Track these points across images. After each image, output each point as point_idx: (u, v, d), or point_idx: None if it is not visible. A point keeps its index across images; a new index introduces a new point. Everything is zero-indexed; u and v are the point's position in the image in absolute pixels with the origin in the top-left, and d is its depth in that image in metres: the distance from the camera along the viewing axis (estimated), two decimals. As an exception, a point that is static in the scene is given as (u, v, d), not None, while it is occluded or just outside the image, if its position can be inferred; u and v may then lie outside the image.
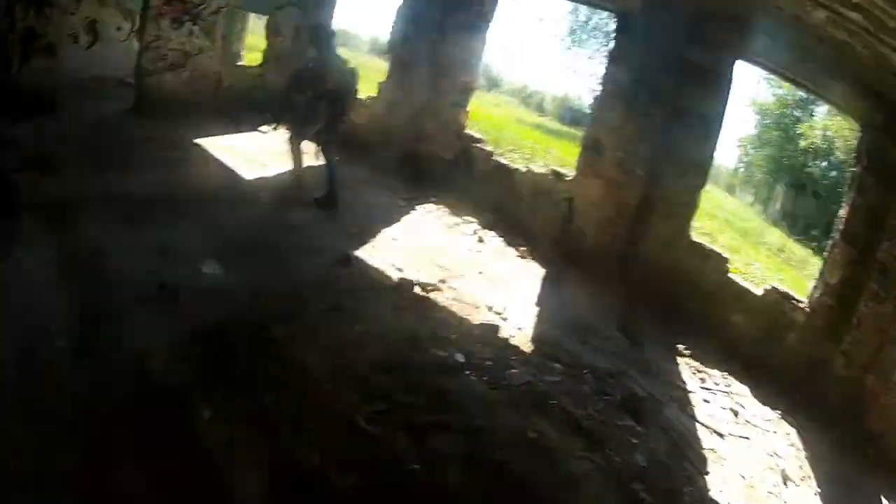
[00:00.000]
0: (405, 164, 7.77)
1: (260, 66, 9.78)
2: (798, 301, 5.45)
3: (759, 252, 11.97)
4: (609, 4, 6.85)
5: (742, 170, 41.99)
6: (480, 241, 6.06)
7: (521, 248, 6.14)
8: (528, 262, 5.90)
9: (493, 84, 52.40)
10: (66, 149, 5.16)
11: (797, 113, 32.74)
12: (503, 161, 7.43)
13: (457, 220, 6.53)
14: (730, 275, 5.81)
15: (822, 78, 5.57)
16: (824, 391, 4.97)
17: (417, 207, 6.56)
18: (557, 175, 6.88)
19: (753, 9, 5.34)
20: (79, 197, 4.23)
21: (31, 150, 4.80)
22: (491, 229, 6.44)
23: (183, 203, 4.60)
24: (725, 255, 5.94)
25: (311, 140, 5.70)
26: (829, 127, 28.32)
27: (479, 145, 7.62)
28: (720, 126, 5.86)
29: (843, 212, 5.55)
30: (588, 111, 48.21)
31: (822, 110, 29.63)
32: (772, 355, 5.32)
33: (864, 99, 5.41)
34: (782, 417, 4.53)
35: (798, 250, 16.18)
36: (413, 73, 7.82)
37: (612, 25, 7.22)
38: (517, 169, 7.18)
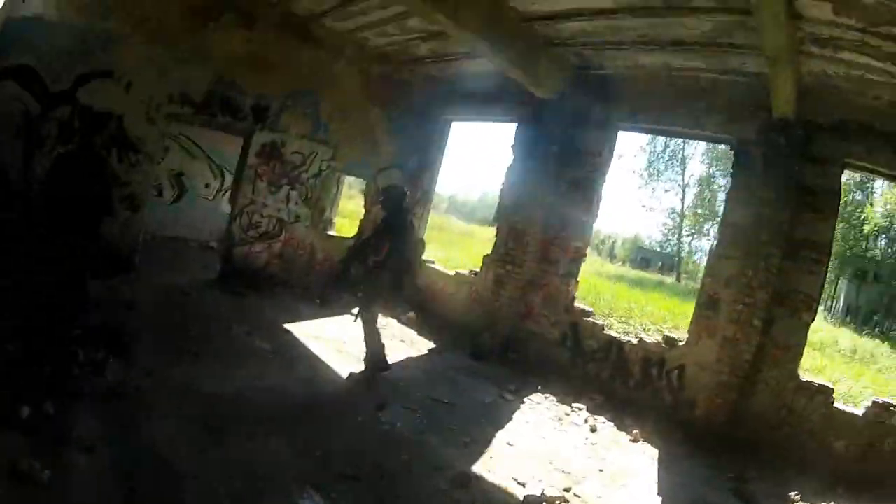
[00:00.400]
0: (509, 347, 7.22)
1: (355, 236, 9.40)
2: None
3: (835, 362, 11.65)
4: (725, 135, 6.51)
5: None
6: (593, 430, 5.51)
7: (634, 432, 5.57)
8: (641, 445, 5.40)
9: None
10: (138, 322, 4.86)
11: (858, 196, 30.71)
12: (614, 334, 6.78)
13: (566, 408, 5.91)
14: (836, 405, 5.42)
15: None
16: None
17: (525, 400, 5.96)
18: (670, 342, 6.32)
19: (856, 107, 5.51)
20: (149, 389, 3.79)
21: (99, 319, 4.46)
22: (601, 413, 5.93)
23: (273, 409, 4.12)
24: (831, 385, 5.61)
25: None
26: (890, 199, 26.27)
27: (589, 319, 6.97)
28: (830, 253, 5.71)
29: None
30: (658, 249, 48.31)
31: (879, 184, 27.94)
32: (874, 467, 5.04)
33: None
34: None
35: (866, 343, 16.36)
36: (523, 241, 7.34)
37: (690, 150, 6.96)
38: (628, 341, 6.53)
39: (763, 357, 5.56)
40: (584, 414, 5.85)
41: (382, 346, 5.20)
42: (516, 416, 5.41)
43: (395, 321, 7.64)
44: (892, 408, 5.21)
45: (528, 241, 7.18)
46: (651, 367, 6.24)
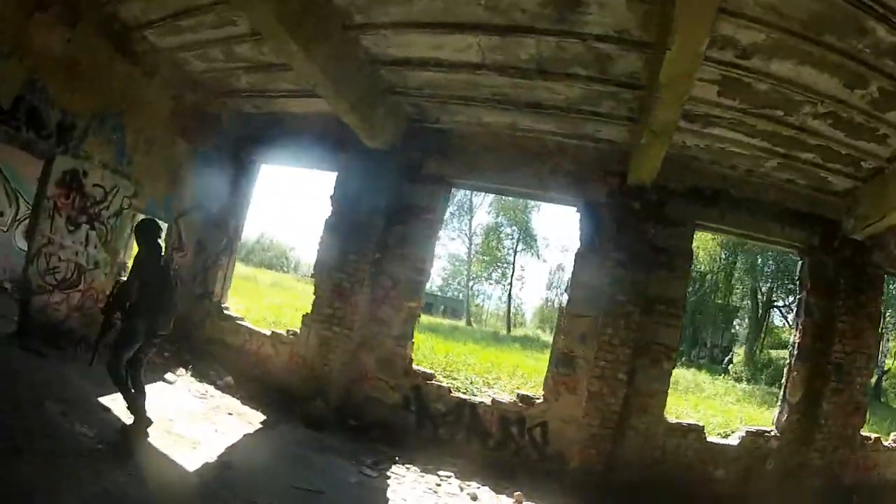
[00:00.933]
0: (345, 414, 6.53)
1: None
2: (768, 432, 6.42)
3: (684, 398, 12.74)
4: (570, 196, 6.66)
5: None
6: (474, 499, 5.29)
7: (516, 493, 5.47)
8: None
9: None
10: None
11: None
12: (463, 396, 6.57)
13: (434, 478, 5.58)
14: (709, 439, 6.23)
15: (766, 223, 6.53)
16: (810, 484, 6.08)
17: (389, 474, 5.46)
18: (526, 400, 6.34)
19: (710, 175, 6.23)
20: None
21: None
22: (470, 479, 5.71)
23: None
24: (700, 423, 6.37)
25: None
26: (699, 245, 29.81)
27: (432, 381, 6.63)
28: (685, 306, 6.30)
29: (794, 338, 6.72)
30: (440, 294, 50.65)
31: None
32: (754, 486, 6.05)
33: (802, 228, 6.54)
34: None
35: (684, 373, 17.73)
36: (350, 301, 6.69)
37: (477, 200, 7.39)
38: (481, 402, 6.39)
39: (629, 406, 5.93)
40: (455, 481, 5.58)
41: (133, 399, 4.61)
42: (390, 494, 5.03)
43: (211, 387, 6.78)
44: (764, 434, 6.39)
45: (357, 301, 6.63)
46: (510, 426, 6.22)
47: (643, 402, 5.97)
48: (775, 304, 29.93)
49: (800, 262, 6.87)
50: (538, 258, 44.21)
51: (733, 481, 6.03)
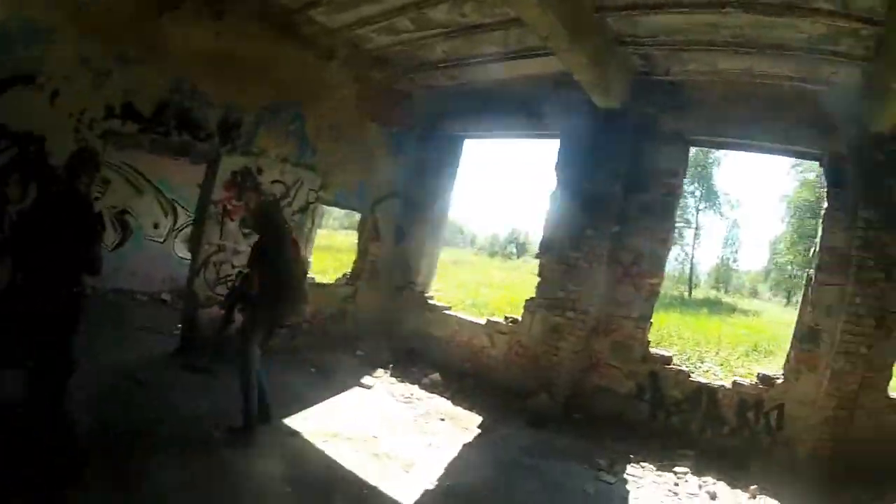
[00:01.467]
0: (570, 408, 6.67)
1: (349, 282, 8.18)
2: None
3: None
4: (816, 150, 6.26)
5: (772, 272, 44.19)
6: (713, 497, 5.12)
7: (751, 487, 5.29)
8: (764, 501, 5.13)
9: (522, 250, 54.91)
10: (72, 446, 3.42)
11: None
12: (702, 380, 6.51)
13: (671, 477, 5.43)
14: None
15: None
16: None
17: (625, 477, 5.26)
18: (766, 381, 6.11)
19: None
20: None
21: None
22: (705, 473, 5.53)
23: None
24: None
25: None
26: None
27: (670, 366, 6.67)
28: None
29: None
30: None
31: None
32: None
33: None
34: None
35: None
36: (585, 281, 6.66)
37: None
38: (721, 386, 6.36)
39: (866, 384, 5.82)
40: (692, 478, 5.54)
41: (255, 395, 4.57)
42: (631, 502, 4.94)
43: (416, 387, 6.95)
44: None
45: (594, 282, 6.75)
46: (747, 411, 6.18)
47: (872, 378, 5.79)
48: None
49: None
50: (720, 216, 43.16)
51: None
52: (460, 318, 7.59)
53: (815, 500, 5.11)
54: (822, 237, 6.19)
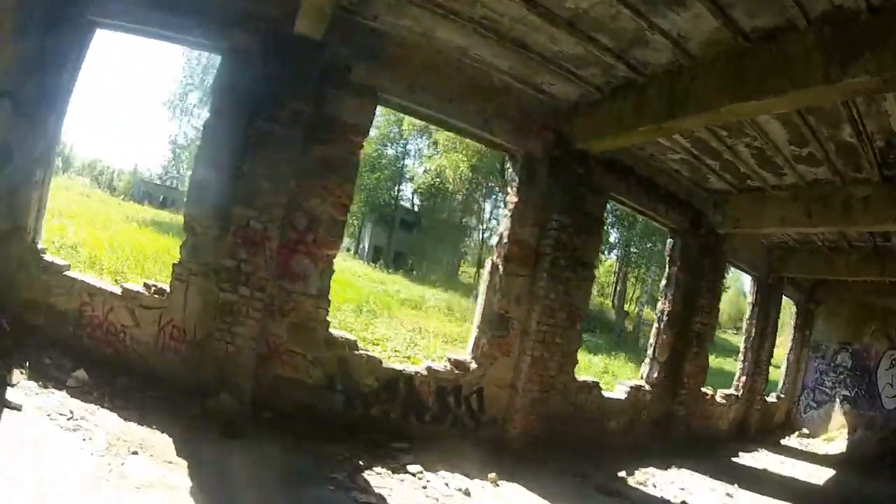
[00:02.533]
0: (257, 406, 5.11)
1: None
2: (643, 387, 8.03)
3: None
4: (513, 145, 6.41)
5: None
6: (467, 494, 4.86)
7: (490, 476, 5.23)
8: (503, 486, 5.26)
9: (67, 164, 48.37)
10: None
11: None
12: (396, 366, 5.89)
13: (413, 479, 4.90)
14: (605, 394, 7.45)
15: (656, 204, 7.72)
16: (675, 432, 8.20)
17: (372, 490, 4.47)
18: (460, 365, 6.11)
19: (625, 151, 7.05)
20: None
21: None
22: (436, 466, 5.18)
23: None
24: (596, 380, 7.61)
25: None
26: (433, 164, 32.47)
27: (359, 351, 5.66)
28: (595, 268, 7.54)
29: (662, 305, 8.35)
30: (159, 182, 46.24)
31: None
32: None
33: (678, 212, 8.04)
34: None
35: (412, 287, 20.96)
36: (262, 249, 5.10)
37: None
38: (417, 372, 5.83)
39: (561, 364, 6.67)
40: (431, 476, 4.98)
41: None
42: None
43: (64, 393, 4.37)
44: (641, 388, 8.00)
45: (268, 249, 5.10)
46: (447, 396, 6.02)
47: (564, 363, 6.70)
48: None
49: (670, 241, 8.43)
50: None
51: (621, 431, 7.57)
52: (87, 283, 5.22)
53: (530, 471, 5.48)
54: (508, 229, 6.30)
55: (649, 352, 8.31)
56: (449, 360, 6.21)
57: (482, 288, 6.46)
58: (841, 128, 5.53)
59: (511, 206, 6.39)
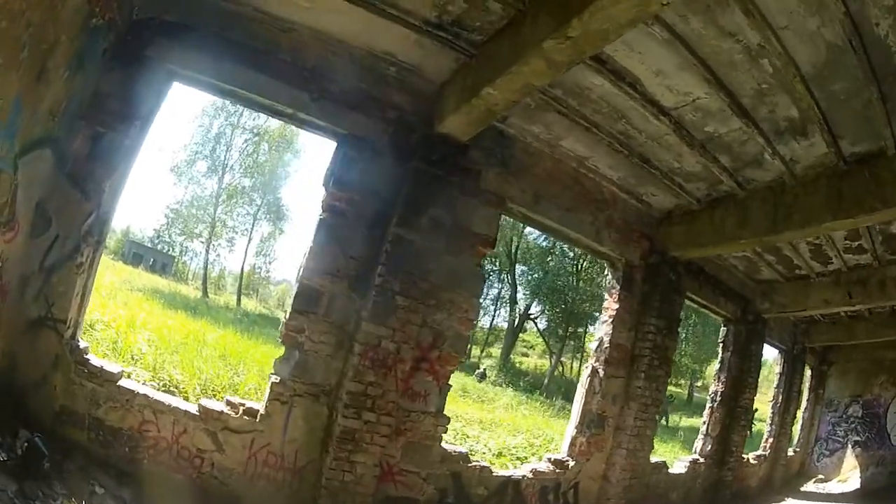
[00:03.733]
0: None
1: None
2: (699, 460, 8.35)
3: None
4: (615, 255, 6.51)
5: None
6: None
7: None
8: None
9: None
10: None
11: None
12: (504, 472, 5.85)
13: None
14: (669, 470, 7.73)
15: (717, 297, 8.13)
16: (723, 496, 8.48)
17: None
18: (559, 464, 6.10)
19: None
20: None
21: None
22: None
23: None
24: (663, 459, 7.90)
25: None
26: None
27: (471, 463, 5.55)
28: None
29: (715, 387, 8.79)
30: (150, 245, 44.28)
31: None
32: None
33: (732, 302, 8.43)
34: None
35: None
36: (391, 369, 4.87)
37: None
38: (524, 476, 5.81)
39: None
40: None
41: None
42: None
43: None
44: (697, 461, 8.25)
45: (399, 371, 4.72)
46: (548, 495, 5.91)
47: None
48: (531, 315, 32.42)
49: (724, 329, 8.82)
50: (279, 231, 41.36)
51: (680, 500, 7.68)
52: (150, 397, 4.37)
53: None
54: (609, 334, 6.29)
55: (702, 428, 8.52)
56: (549, 459, 6.05)
57: (580, 391, 6.33)
58: (893, 223, 5.81)
59: (613, 313, 6.30)
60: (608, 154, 5.49)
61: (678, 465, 7.95)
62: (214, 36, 4.38)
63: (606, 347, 6.27)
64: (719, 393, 8.46)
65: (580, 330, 30.70)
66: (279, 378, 4.56)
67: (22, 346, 4.07)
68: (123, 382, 4.43)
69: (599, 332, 6.53)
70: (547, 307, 29.58)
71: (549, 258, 29.07)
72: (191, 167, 34.42)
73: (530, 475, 5.73)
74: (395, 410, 4.69)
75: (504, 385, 21.81)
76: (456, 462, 5.23)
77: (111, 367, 4.43)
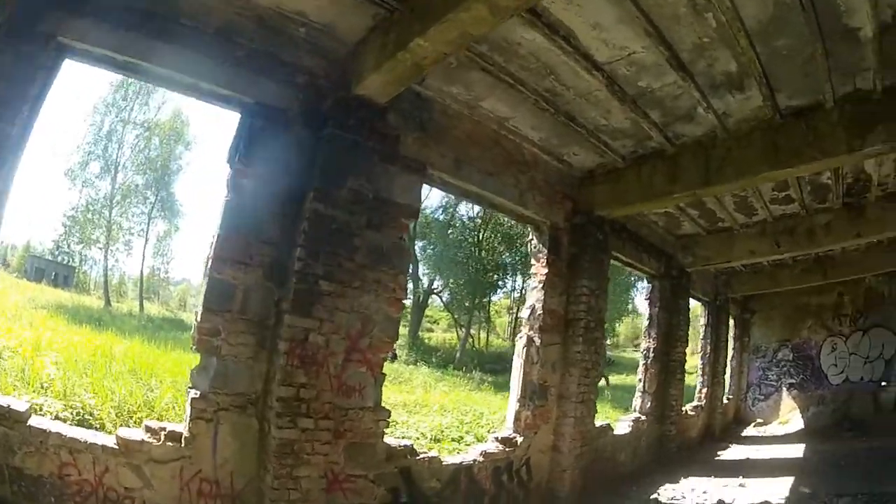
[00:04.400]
0: None
1: None
2: (641, 418, 8.49)
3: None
4: (540, 217, 6.31)
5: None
6: None
7: None
8: None
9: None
10: None
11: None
12: (455, 459, 5.50)
13: None
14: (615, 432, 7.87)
15: (639, 254, 8.15)
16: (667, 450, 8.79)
17: None
18: (509, 442, 5.87)
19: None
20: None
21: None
22: None
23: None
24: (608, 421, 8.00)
25: None
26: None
27: (420, 456, 5.17)
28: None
29: (646, 343, 8.85)
30: (51, 258, 42.29)
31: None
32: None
33: (655, 259, 8.50)
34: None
35: None
36: (323, 364, 4.36)
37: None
38: (475, 461, 5.51)
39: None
40: None
41: None
42: None
43: None
44: (639, 419, 8.38)
45: (332, 366, 4.21)
46: (501, 476, 5.68)
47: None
48: (434, 290, 32.31)
49: (650, 285, 8.95)
50: (175, 228, 39.43)
51: (628, 460, 7.81)
52: (63, 435, 3.70)
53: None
54: (541, 301, 6.10)
55: (639, 386, 8.65)
56: (496, 438, 5.83)
57: (517, 362, 6.09)
58: (822, 173, 6.17)
59: (542, 278, 6.12)
60: (531, 113, 5.28)
61: (622, 426, 8.02)
62: (112, 3, 3.75)
63: (540, 314, 6.07)
64: (651, 349, 8.61)
65: (484, 301, 31.18)
66: (198, 392, 3.96)
67: None
68: (34, 421, 3.73)
69: (530, 299, 6.32)
70: (451, 281, 29.58)
71: (450, 231, 28.95)
72: (84, 169, 32.26)
73: (481, 458, 5.44)
74: (332, 411, 4.19)
75: (416, 363, 21.56)
76: (403, 457, 4.83)
77: (18, 404, 3.73)
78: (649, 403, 8.50)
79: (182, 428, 3.98)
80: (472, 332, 33.48)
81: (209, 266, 4.14)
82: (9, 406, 3.60)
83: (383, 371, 4.66)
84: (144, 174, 33.65)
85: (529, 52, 4.38)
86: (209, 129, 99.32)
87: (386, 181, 4.63)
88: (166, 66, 4.02)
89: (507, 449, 5.69)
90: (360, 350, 4.46)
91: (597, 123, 5.42)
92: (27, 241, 54.62)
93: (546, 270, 6.17)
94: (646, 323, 8.92)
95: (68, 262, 43.58)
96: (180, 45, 3.97)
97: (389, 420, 4.75)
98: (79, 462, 3.67)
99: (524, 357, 6.07)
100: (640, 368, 8.76)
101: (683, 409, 9.61)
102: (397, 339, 4.96)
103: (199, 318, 4.06)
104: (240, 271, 4.10)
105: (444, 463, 5.16)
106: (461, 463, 5.30)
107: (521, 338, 6.24)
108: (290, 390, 3.96)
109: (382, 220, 4.61)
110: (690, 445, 9.78)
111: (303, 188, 4.24)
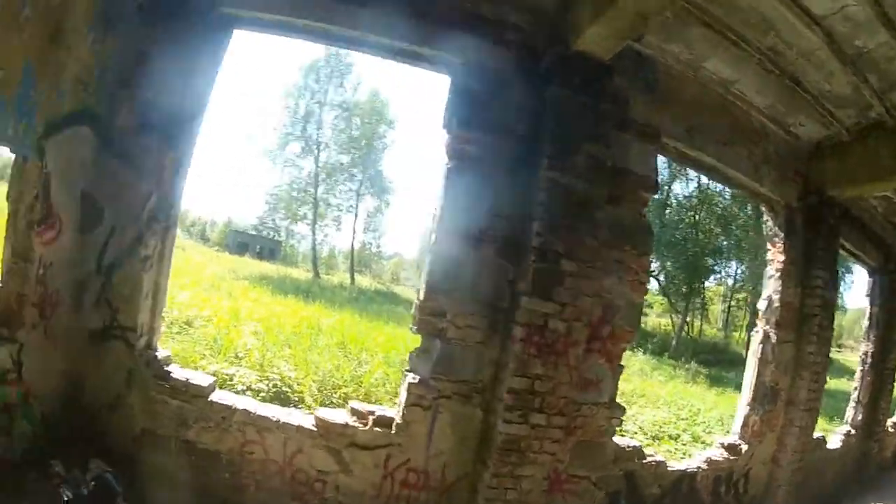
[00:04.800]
0: None
1: None
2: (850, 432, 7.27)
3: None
4: (774, 196, 5.45)
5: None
6: None
7: None
8: None
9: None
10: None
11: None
12: (680, 466, 4.93)
13: None
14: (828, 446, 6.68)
15: (862, 243, 6.95)
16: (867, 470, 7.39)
17: None
18: (732, 449, 5.21)
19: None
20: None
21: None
22: None
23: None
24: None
25: None
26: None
27: (647, 459, 4.62)
28: None
29: (865, 347, 7.59)
30: (254, 233, 46.18)
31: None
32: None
33: (876, 250, 7.25)
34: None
35: None
36: (563, 354, 3.87)
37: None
38: (699, 468, 4.94)
39: None
40: None
41: None
42: None
43: None
44: (850, 433, 7.16)
45: (572, 357, 3.70)
46: (720, 487, 5.10)
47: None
48: (651, 272, 30.14)
49: (869, 280, 7.72)
50: (385, 205, 41.50)
51: (835, 479, 6.61)
52: (250, 412, 3.58)
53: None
54: (778, 291, 5.35)
55: (853, 395, 7.57)
56: (721, 445, 5.21)
57: (751, 361, 5.40)
58: None
59: (780, 266, 5.34)
60: (756, 76, 4.54)
61: (834, 440, 6.95)
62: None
63: (777, 307, 5.27)
64: (869, 353, 7.42)
65: (698, 286, 28.51)
66: (417, 377, 3.70)
67: (87, 364, 3.47)
68: (216, 396, 3.67)
69: (767, 289, 5.50)
70: (669, 262, 27.61)
71: (667, 210, 27.08)
72: (283, 149, 34.81)
73: (705, 466, 4.88)
74: (566, 406, 3.72)
75: (634, 349, 19.71)
76: (629, 459, 4.36)
77: (199, 378, 3.70)
78: (860, 416, 7.39)
79: (394, 413, 3.78)
80: (687, 319, 31.70)
81: (433, 240, 3.86)
82: (187, 380, 3.62)
83: (622, 363, 4.16)
84: (349, 153, 35.32)
85: (749, 4, 3.77)
86: (412, 105, 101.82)
87: (620, 148, 4.07)
88: (356, 27, 3.76)
89: (731, 457, 5.08)
90: (601, 339, 4.00)
91: (821, 89, 4.60)
92: (227, 217, 59.23)
93: (783, 257, 5.36)
94: (865, 323, 7.76)
95: (274, 236, 46.32)
96: (370, 5, 3.68)
97: (622, 418, 4.27)
98: (266, 441, 3.58)
99: (759, 355, 5.35)
100: (857, 375, 7.65)
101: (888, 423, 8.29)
102: (639, 328, 4.44)
103: (421, 297, 3.78)
104: (468, 245, 3.73)
105: (668, 469, 4.61)
106: (685, 470, 4.77)
107: (756, 332, 5.49)
108: (524, 381, 3.56)
109: (622, 192, 4.07)
110: (886, 466, 8.44)
111: (533, 155, 3.78)
